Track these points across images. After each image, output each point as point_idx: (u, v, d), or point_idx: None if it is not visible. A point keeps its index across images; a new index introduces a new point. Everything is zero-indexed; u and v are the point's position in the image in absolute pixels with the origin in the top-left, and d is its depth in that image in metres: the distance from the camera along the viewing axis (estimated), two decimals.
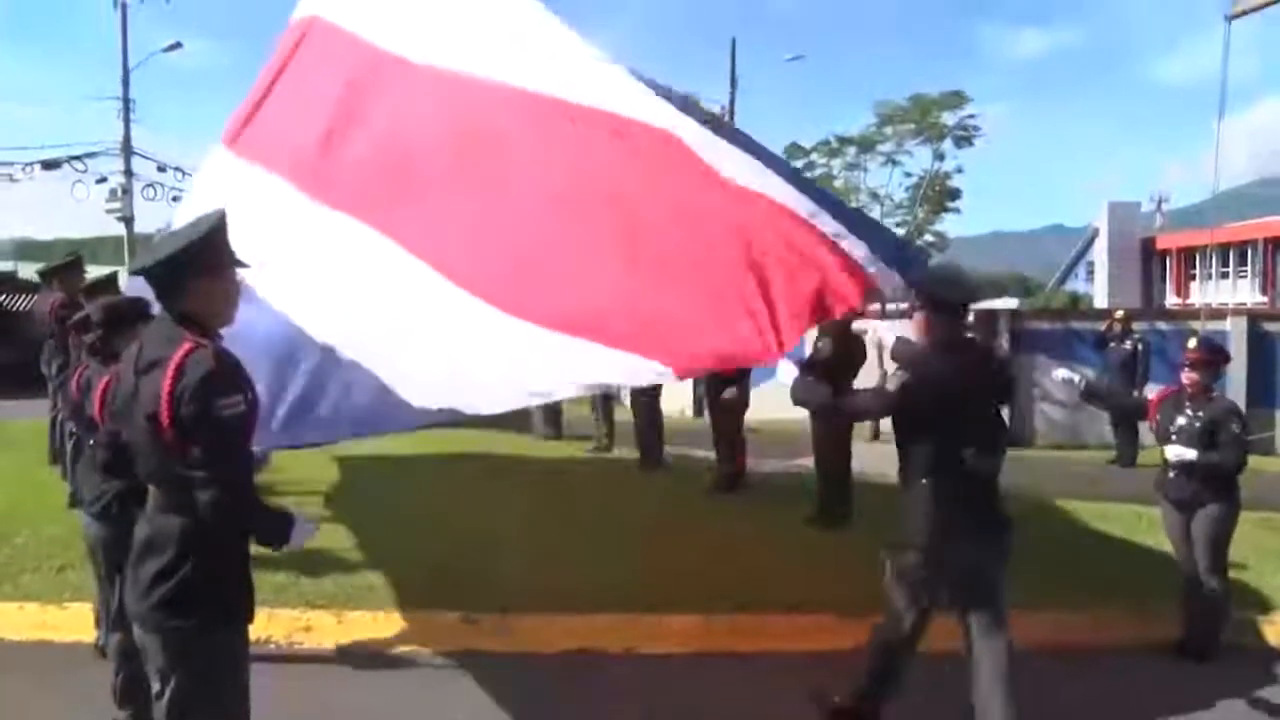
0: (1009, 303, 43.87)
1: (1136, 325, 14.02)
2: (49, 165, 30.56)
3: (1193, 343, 5.83)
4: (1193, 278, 45.47)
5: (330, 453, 10.52)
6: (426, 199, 4.85)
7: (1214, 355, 5.78)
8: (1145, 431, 11.94)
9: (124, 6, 31.40)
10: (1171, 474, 5.66)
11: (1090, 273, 52.24)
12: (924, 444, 4.19)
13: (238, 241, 3.17)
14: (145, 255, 3.23)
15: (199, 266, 3.02)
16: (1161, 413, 5.77)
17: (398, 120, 5.42)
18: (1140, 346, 13.25)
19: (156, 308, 3.22)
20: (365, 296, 4.69)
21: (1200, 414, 5.56)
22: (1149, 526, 7.70)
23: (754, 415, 10.24)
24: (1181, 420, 5.61)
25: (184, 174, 31.38)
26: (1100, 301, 41.77)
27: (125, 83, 31.69)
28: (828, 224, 4.12)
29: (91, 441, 4.76)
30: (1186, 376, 5.68)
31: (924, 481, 4.17)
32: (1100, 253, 48.23)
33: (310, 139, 5.60)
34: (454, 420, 4.21)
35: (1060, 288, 56.70)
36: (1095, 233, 50.36)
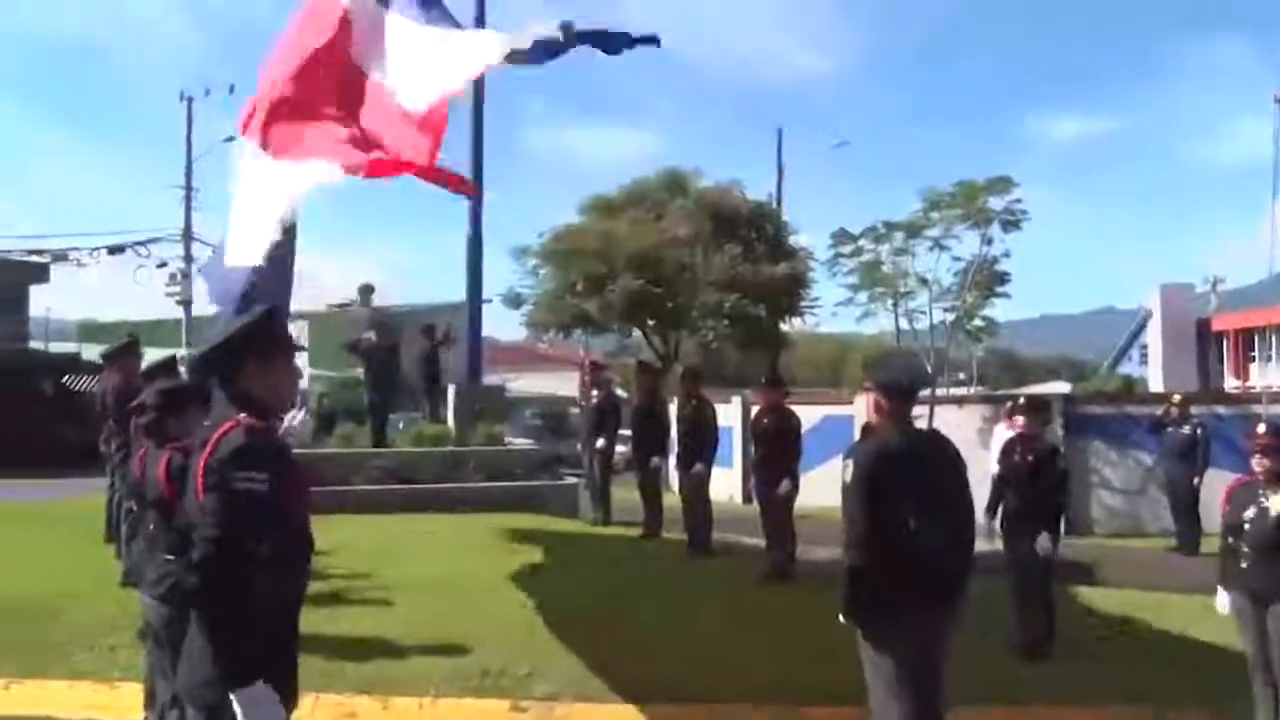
0: (1061, 387, 43.31)
1: (1194, 409, 13.76)
2: (114, 250, 31.62)
3: (1261, 428, 5.67)
4: (1251, 360, 44.66)
5: (378, 535, 10.55)
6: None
7: None
8: (1208, 517, 11.69)
9: (189, 100, 32.61)
10: (1245, 563, 5.46)
11: (1144, 355, 51.51)
12: (874, 518, 4.18)
13: None
14: (203, 342, 3.31)
15: (252, 352, 3.14)
16: (1233, 502, 5.60)
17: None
18: (1199, 431, 12.98)
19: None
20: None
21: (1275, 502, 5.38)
22: (1214, 619, 7.45)
23: (804, 502, 10.14)
24: (1253, 510, 5.43)
25: None
26: (1155, 385, 41.08)
27: (188, 172, 32.82)
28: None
29: (151, 525, 4.82)
30: (1258, 464, 5.50)
31: (870, 556, 4.18)
32: (1154, 335, 47.59)
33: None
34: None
35: (1113, 371, 55.91)
36: (1148, 315, 49.78)
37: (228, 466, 2.94)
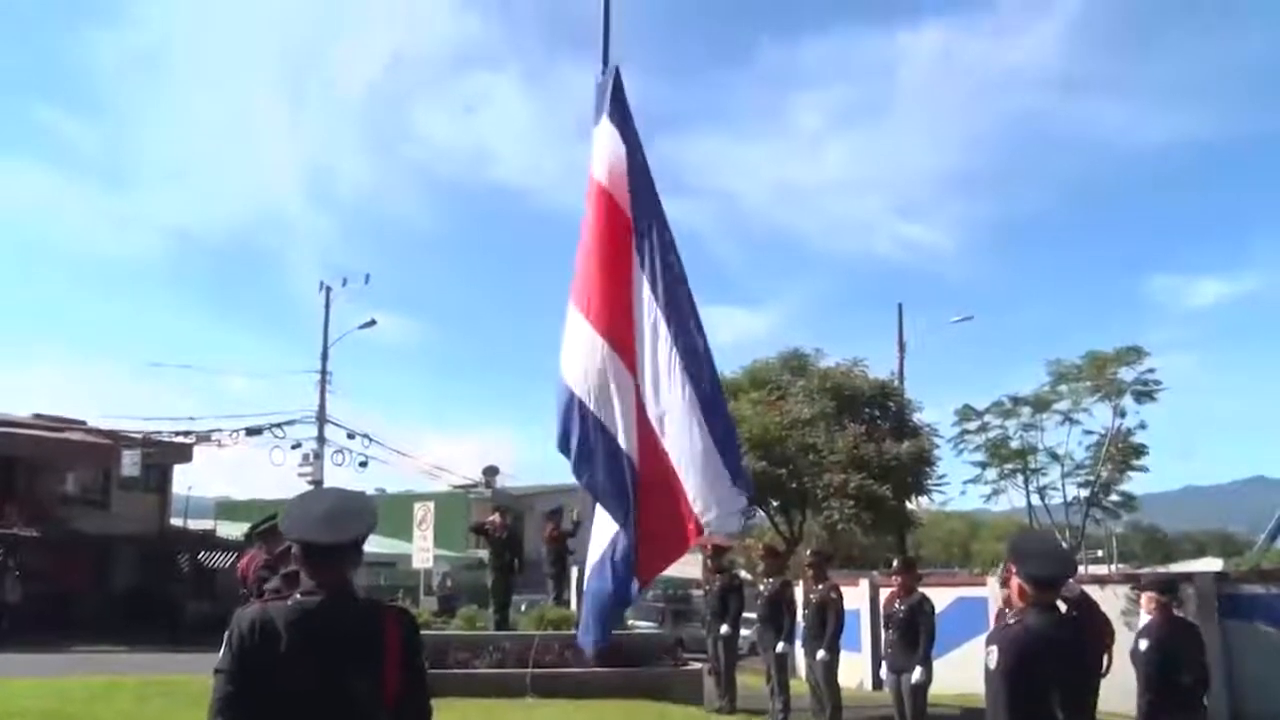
0: (1212, 564, 40.79)
1: None
2: (252, 432, 32.97)
3: None
4: None
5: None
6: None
7: None
8: None
9: (328, 290, 34.44)
10: None
11: None
12: (1020, 708, 3.96)
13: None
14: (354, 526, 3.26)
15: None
16: None
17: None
18: None
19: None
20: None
21: None
22: None
23: (938, 688, 9.75)
24: None
25: (370, 440, 33.29)
26: None
27: (324, 357, 34.25)
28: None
29: None
30: None
31: None
32: None
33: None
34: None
35: (1271, 545, 52.57)
36: None
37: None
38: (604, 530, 8.64)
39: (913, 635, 9.61)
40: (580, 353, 8.86)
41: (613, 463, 8.41)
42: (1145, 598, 7.86)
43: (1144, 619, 8.58)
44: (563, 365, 8.92)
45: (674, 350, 8.59)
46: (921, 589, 10.11)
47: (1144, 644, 7.14)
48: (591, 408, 8.58)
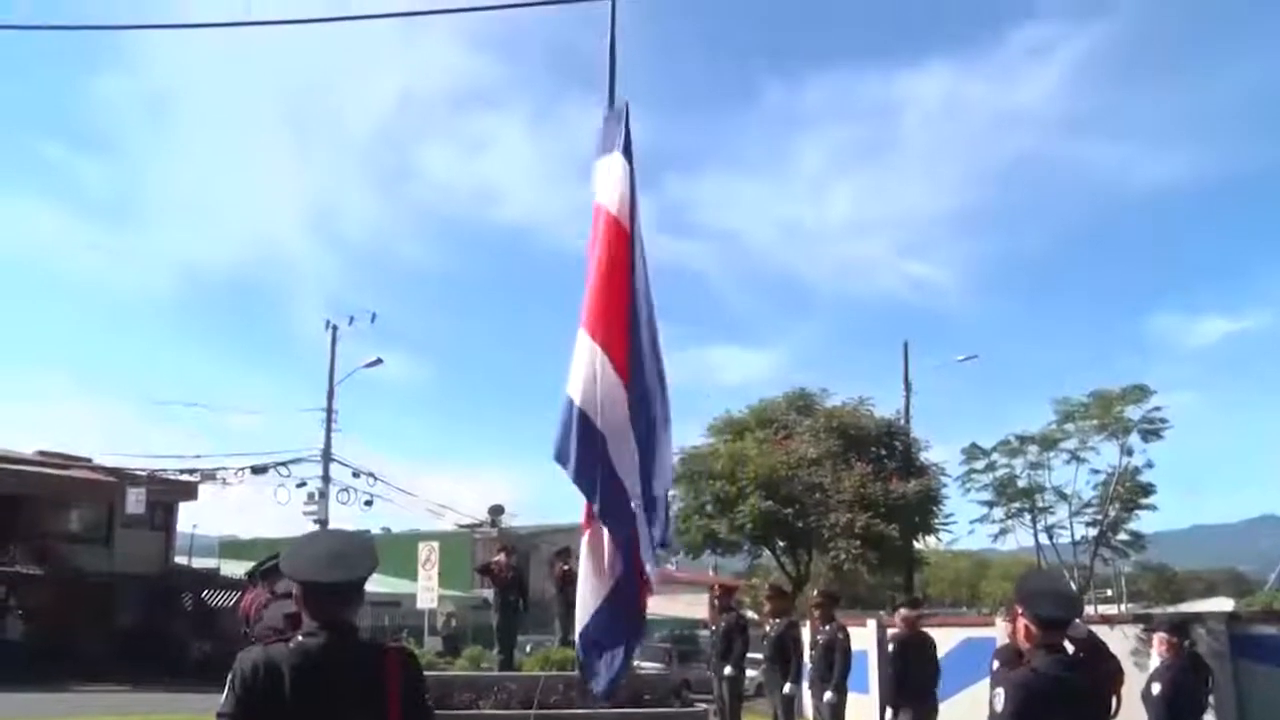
0: (1223, 604, 40.39)
1: None
2: (257, 470, 32.94)
3: None
4: None
5: None
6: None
7: None
8: None
9: (334, 328, 34.51)
10: None
11: None
12: None
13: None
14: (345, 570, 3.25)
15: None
16: None
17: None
18: None
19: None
20: None
21: None
22: None
23: None
24: None
25: (375, 479, 33.27)
26: None
27: (330, 395, 34.25)
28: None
29: None
30: None
31: None
32: None
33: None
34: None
35: None
36: None
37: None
38: (597, 563, 8.22)
39: (919, 674, 9.54)
40: (584, 371, 8.74)
41: (618, 496, 8.14)
42: (1158, 639, 7.81)
43: (1155, 660, 8.52)
44: (568, 384, 8.78)
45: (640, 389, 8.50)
46: (928, 629, 10.05)
47: (1156, 687, 7.09)
48: (596, 423, 8.33)
